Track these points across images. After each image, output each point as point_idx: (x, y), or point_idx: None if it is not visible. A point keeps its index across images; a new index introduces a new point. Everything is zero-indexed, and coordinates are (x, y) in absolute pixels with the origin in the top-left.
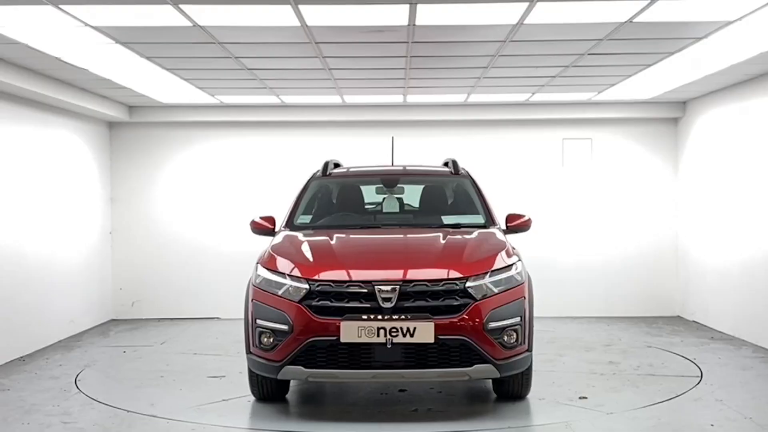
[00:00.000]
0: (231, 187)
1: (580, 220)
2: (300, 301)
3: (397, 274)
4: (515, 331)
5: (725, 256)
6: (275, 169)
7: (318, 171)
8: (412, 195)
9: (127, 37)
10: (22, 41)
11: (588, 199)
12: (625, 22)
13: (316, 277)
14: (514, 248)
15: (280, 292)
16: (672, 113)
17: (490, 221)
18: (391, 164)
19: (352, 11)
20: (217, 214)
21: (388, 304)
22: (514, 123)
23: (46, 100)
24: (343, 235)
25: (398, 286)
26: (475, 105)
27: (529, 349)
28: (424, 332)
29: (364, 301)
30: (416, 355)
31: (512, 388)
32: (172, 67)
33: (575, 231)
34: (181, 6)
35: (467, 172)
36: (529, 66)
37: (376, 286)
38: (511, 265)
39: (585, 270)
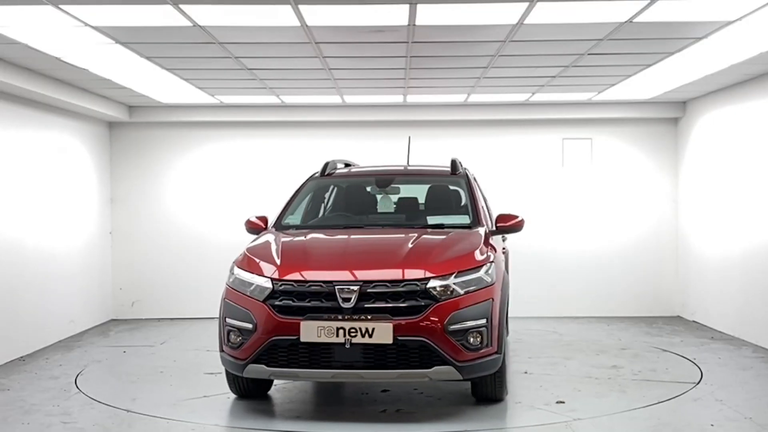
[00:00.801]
0: (231, 187)
1: (580, 220)
2: (264, 301)
3: (357, 274)
4: (480, 333)
5: (725, 257)
6: (275, 169)
7: (317, 172)
8: (410, 195)
9: (127, 37)
10: (22, 41)
11: (588, 200)
12: (625, 22)
13: (279, 277)
14: (494, 249)
15: (248, 292)
16: (672, 113)
17: (477, 222)
18: (406, 164)
19: (352, 11)
20: (217, 213)
21: (347, 305)
22: (514, 123)
23: (46, 100)
24: (320, 236)
25: (358, 287)
26: (475, 105)
27: (499, 351)
28: (383, 333)
29: (324, 301)
30: (375, 356)
31: (485, 391)
32: (172, 67)
33: (575, 231)
34: (181, 6)
35: (466, 171)
36: (529, 66)
37: (336, 287)
38: (481, 266)
39: (585, 270)
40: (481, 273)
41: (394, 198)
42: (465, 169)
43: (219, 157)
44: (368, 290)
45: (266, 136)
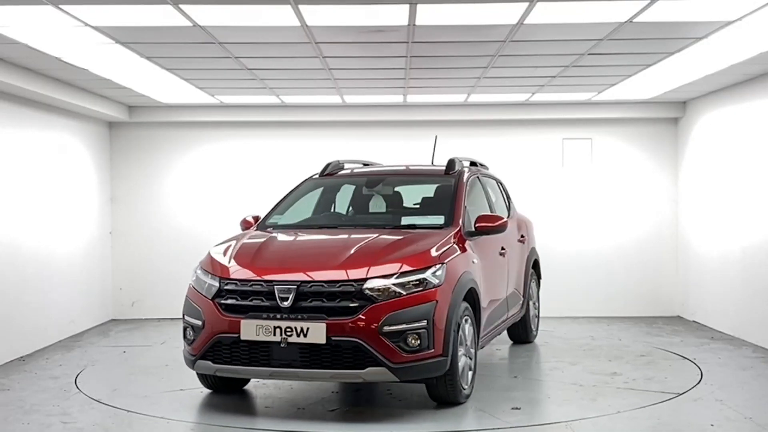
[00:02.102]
0: (231, 187)
1: (580, 220)
2: (212, 299)
3: (296, 275)
4: (419, 334)
5: (725, 257)
6: (275, 169)
7: (316, 173)
8: (406, 195)
9: (127, 37)
10: (22, 41)
11: (588, 200)
12: (625, 22)
13: (225, 276)
14: (461, 250)
15: (202, 290)
16: (672, 113)
17: (451, 222)
18: (431, 163)
19: (352, 11)
20: (217, 213)
21: (285, 304)
22: (514, 123)
23: (46, 100)
24: (282, 236)
25: (295, 287)
26: (475, 105)
27: (445, 354)
28: (316, 333)
29: (264, 301)
30: (310, 355)
31: (437, 393)
32: (172, 67)
33: (575, 231)
34: (181, 6)
35: (460, 171)
36: (529, 66)
37: (275, 286)
38: (427, 267)
39: (585, 270)
40: (427, 274)
41: (390, 197)
42: (464, 168)
43: (219, 157)
44: (305, 290)
45: (266, 136)
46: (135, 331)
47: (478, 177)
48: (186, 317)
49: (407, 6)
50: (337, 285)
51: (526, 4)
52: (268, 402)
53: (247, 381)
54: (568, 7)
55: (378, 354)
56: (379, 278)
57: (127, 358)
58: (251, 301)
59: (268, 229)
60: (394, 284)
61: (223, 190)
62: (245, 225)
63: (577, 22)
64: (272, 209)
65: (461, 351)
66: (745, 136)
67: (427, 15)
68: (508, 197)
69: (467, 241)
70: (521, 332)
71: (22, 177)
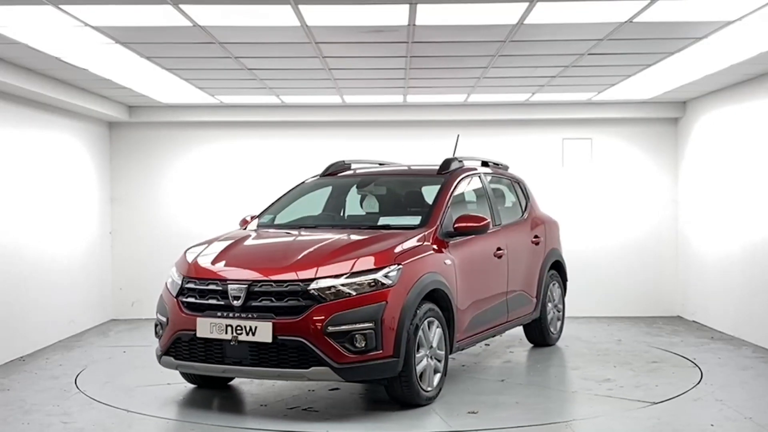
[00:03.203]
0: (231, 187)
1: (580, 220)
2: (176, 296)
3: (248, 274)
4: (365, 335)
5: (725, 257)
6: (275, 169)
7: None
8: (398, 196)
9: (127, 37)
10: (22, 41)
11: (588, 200)
12: (625, 22)
13: (187, 274)
14: (432, 250)
15: (170, 288)
16: (672, 113)
17: (427, 223)
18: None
19: (352, 11)
20: (217, 213)
21: (237, 303)
22: (514, 123)
23: (46, 100)
24: (256, 236)
25: (246, 286)
26: (475, 105)
27: (396, 355)
28: (263, 332)
29: (219, 299)
30: (259, 354)
31: (395, 394)
32: (172, 67)
33: (575, 231)
34: (181, 6)
35: (453, 172)
36: (529, 66)
37: (228, 285)
38: (381, 268)
39: (585, 270)
40: (378, 275)
41: (379, 199)
42: (460, 169)
43: (219, 157)
44: (255, 290)
45: (266, 136)
46: (135, 331)
47: (480, 177)
48: (157, 314)
49: (407, 6)
50: (285, 285)
51: (526, 4)
52: (260, 400)
53: (232, 378)
54: (568, 7)
55: (322, 354)
56: (327, 278)
57: (128, 358)
58: (207, 299)
59: (260, 229)
60: (342, 284)
61: (223, 190)
62: (243, 225)
63: (577, 22)
64: (264, 210)
65: (422, 353)
66: (745, 136)
67: (427, 15)
68: (527, 198)
69: (445, 242)
70: (537, 335)
71: (22, 177)
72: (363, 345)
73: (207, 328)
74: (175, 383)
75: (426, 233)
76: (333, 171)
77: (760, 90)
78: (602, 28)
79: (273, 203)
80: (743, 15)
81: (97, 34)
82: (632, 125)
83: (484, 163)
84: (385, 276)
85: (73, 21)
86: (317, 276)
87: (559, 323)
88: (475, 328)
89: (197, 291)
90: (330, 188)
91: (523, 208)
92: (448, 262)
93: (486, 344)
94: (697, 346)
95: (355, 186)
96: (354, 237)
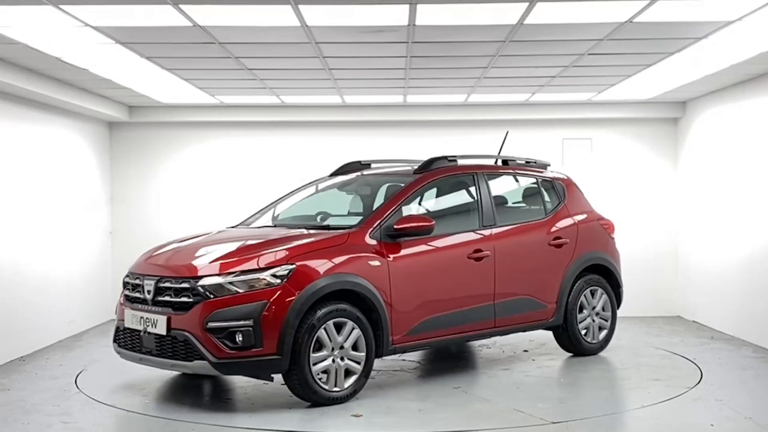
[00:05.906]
0: (231, 187)
1: None
2: (123, 289)
3: (158, 270)
4: (243, 332)
5: (725, 256)
6: (275, 169)
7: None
8: (380, 195)
9: (127, 37)
10: (22, 41)
11: (588, 199)
12: (625, 22)
13: (129, 270)
14: (339, 252)
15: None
16: (672, 113)
17: (363, 223)
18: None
19: (352, 11)
20: (216, 213)
21: (149, 296)
22: (514, 123)
23: (47, 100)
24: (202, 236)
25: (154, 282)
26: (475, 105)
27: (279, 353)
28: (161, 324)
29: (141, 293)
30: (161, 345)
31: (294, 392)
32: (172, 67)
33: None
34: (181, 6)
35: (430, 170)
36: (529, 66)
37: (145, 280)
38: (270, 267)
39: None
40: (266, 274)
41: (363, 199)
42: (443, 168)
43: (219, 157)
44: (161, 285)
45: (266, 136)
46: None
47: (474, 176)
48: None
49: (407, 6)
50: (180, 281)
51: (526, 4)
52: (260, 400)
53: None
54: (568, 7)
55: (202, 348)
56: (214, 276)
57: None
58: (134, 292)
59: (240, 227)
60: (228, 282)
61: (223, 190)
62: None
63: (577, 22)
64: (258, 211)
65: (324, 352)
66: (745, 136)
67: (427, 15)
68: (561, 198)
69: (382, 243)
70: (567, 343)
71: (22, 177)
72: (243, 341)
73: (130, 318)
74: (176, 383)
75: (351, 234)
76: (344, 170)
77: (760, 90)
78: (602, 28)
79: (271, 205)
80: (743, 15)
81: (97, 34)
82: (632, 125)
83: (505, 162)
84: (273, 275)
85: (73, 21)
86: (207, 273)
87: (603, 332)
88: (429, 330)
89: (130, 285)
90: (336, 187)
91: (549, 210)
92: (376, 263)
93: (487, 346)
94: (697, 346)
95: (338, 187)
96: (272, 237)
